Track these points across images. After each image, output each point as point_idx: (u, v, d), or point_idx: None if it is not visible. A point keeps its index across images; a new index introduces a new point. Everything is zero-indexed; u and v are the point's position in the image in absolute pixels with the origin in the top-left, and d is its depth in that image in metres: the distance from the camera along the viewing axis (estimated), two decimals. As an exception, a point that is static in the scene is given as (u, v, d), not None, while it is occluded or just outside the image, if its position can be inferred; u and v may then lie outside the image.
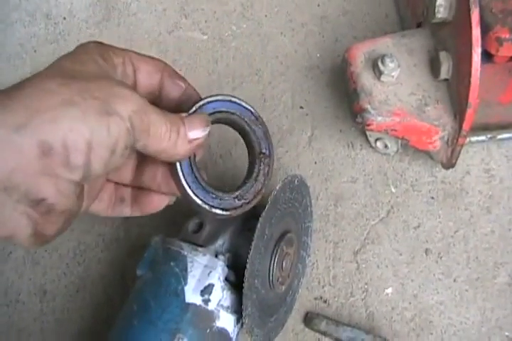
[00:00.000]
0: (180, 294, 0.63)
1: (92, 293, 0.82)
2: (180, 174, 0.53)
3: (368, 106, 0.72)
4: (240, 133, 0.59)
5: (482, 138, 0.79)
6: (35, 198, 0.40)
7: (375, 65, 0.72)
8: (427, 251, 0.80)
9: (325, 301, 0.79)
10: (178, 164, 0.52)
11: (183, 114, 0.52)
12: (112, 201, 0.58)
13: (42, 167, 0.40)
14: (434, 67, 0.72)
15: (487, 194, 0.82)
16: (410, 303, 0.78)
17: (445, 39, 0.71)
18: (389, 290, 0.79)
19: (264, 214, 0.63)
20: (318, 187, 0.84)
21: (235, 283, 0.67)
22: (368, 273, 0.80)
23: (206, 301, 0.64)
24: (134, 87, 0.53)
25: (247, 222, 0.69)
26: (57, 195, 0.42)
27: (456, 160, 0.75)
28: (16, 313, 0.82)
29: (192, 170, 0.54)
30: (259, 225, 0.63)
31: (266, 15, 0.94)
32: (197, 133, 0.51)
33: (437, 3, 0.67)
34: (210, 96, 0.55)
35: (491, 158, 0.83)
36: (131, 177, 0.58)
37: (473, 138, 0.79)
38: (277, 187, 0.66)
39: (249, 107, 0.58)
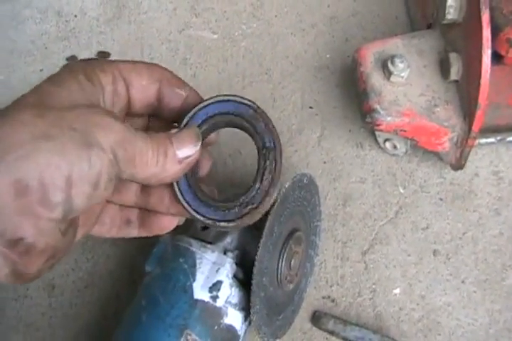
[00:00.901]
0: (189, 290, 0.64)
1: (101, 289, 0.82)
2: (178, 193, 0.51)
3: (378, 107, 0.72)
4: (245, 132, 0.56)
5: (491, 140, 0.79)
6: (12, 238, 0.38)
7: (384, 66, 0.72)
8: (435, 252, 0.80)
9: (333, 300, 0.79)
10: (175, 184, 0.51)
11: (173, 131, 0.50)
12: (116, 223, 0.55)
13: (18, 206, 0.37)
14: (443, 68, 0.73)
15: (496, 196, 0.82)
16: (418, 304, 0.78)
17: (455, 40, 0.71)
18: (397, 291, 0.79)
19: (273, 211, 0.63)
20: (326, 187, 0.84)
21: (244, 280, 0.67)
22: (376, 273, 0.80)
23: (214, 298, 0.64)
24: (127, 105, 0.51)
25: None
26: (37, 234, 0.39)
27: (465, 161, 0.75)
28: (24, 308, 0.83)
29: (189, 186, 0.52)
30: (268, 223, 0.63)
31: (276, 16, 0.95)
32: (186, 151, 0.48)
33: (447, 4, 0.67)
34: (200, 102, 0.53)
35: (500, 160, 0.83)
36: (136, 200, 0.55)
37: (483, 140, 0.79)
38: (286, 185, 0.66)
39: (245, 101, 0.53)
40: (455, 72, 0.71)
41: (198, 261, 0.65)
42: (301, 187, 0.70)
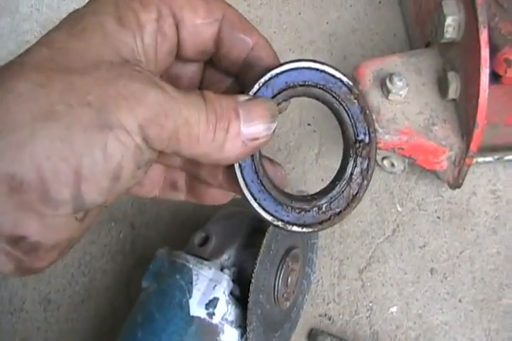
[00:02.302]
0: (185, 307, 0.63)
1: (97, 304, 0.82)
2: (242, 182, 0.40)
3: (376, 125, 0.72)
4: (333, 114, 0.43)
5: (489, 159, 0.80)
6: (12, 235, 0.31)
7: (383, 84, 0.72)
8: (432, 270, 0.80)
9: (329, 318, 0.79)
10: (237, 167, 0.40)
11: (242, 97, 0.37)
12: (159, 185, 0.44)
13: (15, 204, 0.29)
14: (442, 86, 0.73)
15: (493, 215, 0.82)
16: (415, 323, 0.78)
17: (453, 59, 0.72)
18: (394, 309, 0.79)
19: (270, 229, 0.63)
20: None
21: (240, 297, 0.67)
22: (372, 291, 0.80)
23: (211, 315, 0.64)
24: (175, 48, 0.38)
25: (253, 236, 0.69)
26: (43, 232, 0.31)
27: (463, 180, 0.76)
28: (20, 322, 0.82)
29: (257, 174, 0.40)
30: (265, 240, 0.63)
31: (275, 32, 0.96)
32: (256, 130, 0.36)
33: (446, 23, 0.68)
34: (281, 64, 0.40)
35: (498, 179, 0.83)
36: (182, 165, 0.43)
37: (480, 159, 0.79)
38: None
39: (339, 74, 0.40)
40: (453, 90, 0.71)
41: (194, 278, 0.65)
42: (298, 204, 0.70)
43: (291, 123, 0.89)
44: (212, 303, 0.64)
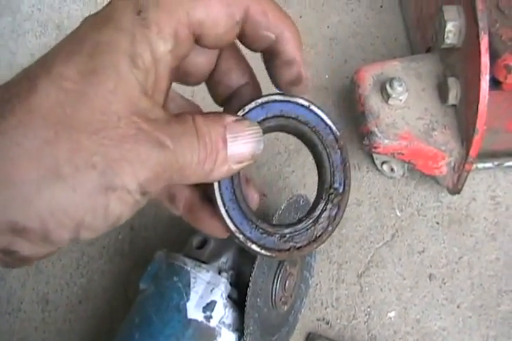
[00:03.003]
0: (182, 309, 0.63)
1: (95, 305, 0.82)
2: (216, 185, 0.40)
3: (375, 129, 0.72)
4: (311, 153, 0.44)
5: (489, 165, 0.80)
6: (4, 250, 0.32)
7: (383, 88, 0.72)
8: (430, 276, 0.80)
9: (327, 323, 0.79)
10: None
11: (229, 118, 0.37)
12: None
13: (14, 234, 0.31)
14: (442, 92, 0.73)
15: (492, 221, 0.82)
16: (413, 328, 0.78)
17: (454, 65, 0.72)
18: (392, 314, 0.79)
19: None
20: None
21: (238, 301, 0.67)
22: (371, 296, 0.80)
23: (208, 318, 0.64)
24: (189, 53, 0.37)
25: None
26: (33, 250, 0.33)
27: (463, 186, 0.76)
28: (18, 322, 0.82)
29: (232, 183, 0.41)
30: (263, 243, 0.63)
31: (276, 36, 0.96)
32: (242, 156, 0.37)
33: (447, 28, 0.68)
34: (284, 94, 0.41)
35: (498, 185, 0.83)
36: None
37: (480, 165, 0.79)
38: (282, 207, 0.66)
39: (330, 123, 0.42)
40: (453, 96, 0.71)
41: (192, 281, 0.65)
42: (297, 209, 0.71)
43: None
44: (209, 306, 0.64)
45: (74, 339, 0.81)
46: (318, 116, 0.41)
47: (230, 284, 0.67)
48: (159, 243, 0.82)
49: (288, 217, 0.68)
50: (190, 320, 0.63)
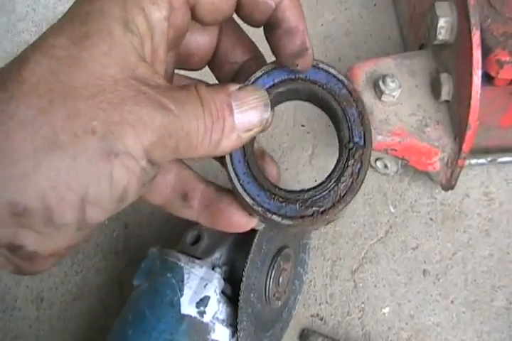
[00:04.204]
0: (176, 305, 0.63)
1: (89, 302, 0.82)
2: (228, 159, 0.39)
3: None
4: (326, 113, 0.42)
5: (482, 161, 0.80)
6: (10, 245, 0.30)
7: (376, 85, 0.73)
8: (424, 272, 0.80)
9: (321, 319, 0.79)
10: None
11: (233, 87, 0.36)
12: (165, 193, 0.40)
13: (16, 224, 0.29)
14: (435, 88, 0.73)
15: (486, 217, 0.82)
16: (407, 324, 0.78)
17: (446, 61, 0.72)
18: (386, 310, 0.79)
19: (261, 228, 0.63)
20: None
21: (231, 296, 0.67)
22: (365, 292, 0.80)
23: (202, 313, 0.64)
24: (187, 28, 0.36)
25: (245, 235, 0.70)
26: (40, 243, 0.31)
27: (456, 182, 0.76)
28: (12, 320, 0.82)
29: (245, 154, 0.39)
30: (256, 239, 0.63)
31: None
32: (250, 122, 0.35)
33: (439, 24, 0.68)
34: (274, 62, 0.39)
35: (491, 182, 0.84)
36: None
37: (473, 161, 0.80)
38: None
39: (340, 76, 0.41)
40: (446, 92, 0.71)
41: (185, 276, 0.65)
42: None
43: (285, 124, 0.90)
44: (203, 302, 0.64)
45: (68, 336, 0.81)
46: (329, 73, 0.40)
47: (224, 280, 0.67)
48: (154, 240, 0.83)
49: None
50: (184, 315, 0.63)
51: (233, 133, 0.34)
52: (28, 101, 0.28)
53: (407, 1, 0.88)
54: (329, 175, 0.39)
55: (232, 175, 0.39)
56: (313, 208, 0.38)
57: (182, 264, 0.66)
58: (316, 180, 0.85)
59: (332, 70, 0.40)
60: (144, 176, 0.31)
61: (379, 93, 0.73)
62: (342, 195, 0.39)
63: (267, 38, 0.39)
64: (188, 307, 0.64)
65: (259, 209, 0.38)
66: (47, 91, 0.29)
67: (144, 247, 0.76)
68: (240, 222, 0.40)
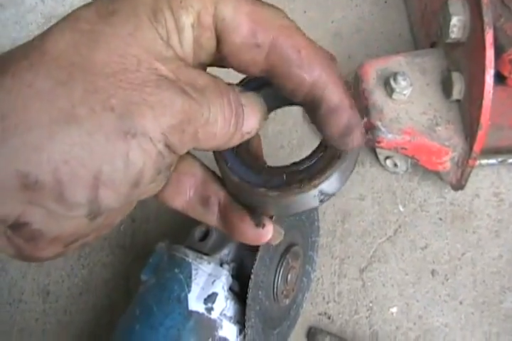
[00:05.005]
0: (184, 301, 0.63)
1: (95, 296, 0.82)
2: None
3: (379, 124, 0.72)
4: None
5: (493, 161, 0.79)
6: (15, 222, 0.29)
7: (387, 83, 0.72)
8: (433, 272, 0.80)
9: (329, 317, 0.79)
10: None
11: (237, 88, 0.35)
12: (185, 195, 0.39)
13: (26, 198, 0.28)
14: (446, 87, 0.73)
15: (496, 218, 0.82)
16: (415, 324, 0.77)
17: (458, 60, 0.72)
18: (394, 310, 0.78)
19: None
20: (325, 203, 0.83)
21: (239, 293, 0.67)
22: (373, 291, 0.79)
23: (209, 310, 0.64)
24: (211, 59, 0.35)
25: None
26: (46, 221, 0.30)
27: (466, 182, 0.75)
28: (18, 312, 0.82)
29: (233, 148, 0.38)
30: (265, 236, 0.63)
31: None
32: (254, 126, 0.35)
33: (451, 23, 0.68)
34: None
35: (501, 182, 0.83)
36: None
37: (484, 161, 0.79)
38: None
39: None
40: (457, 91, 0.71)
41: (193, 272, 0.65)
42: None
43: (294, 121, 0.89)
44: (211, 298, 0.64)
45: (74, 330, 0.81)
46: None
47: (232, 276, 0.67)
48: (161, 235, 0.82)
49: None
50: (192, 311, 0.63)
51: (241, 131, 0.34)
52: (47, 72, 0.28)
53: (418, -1, 0.87)
54: (317, 146, 0.38)
55: (219, 157, 0.38)
56: (301, 176, 0.36)
57: (190, 260, 0.65)
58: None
59: None
60: (161, 161, 0.30)
61: (390, 91, 0.72)
62: (330, 160, 0.36)
63: (309, 117, 0.36)
64: (195, 303, 0.63)
65: (246, 184, 0.37)
66: (67, 64, 0.28)
67: (151, 242, 0.76)
68: (254, 236, 0.39)
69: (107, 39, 0.29)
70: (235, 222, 0.39)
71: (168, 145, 0.30)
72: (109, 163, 0.28)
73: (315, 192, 0.36)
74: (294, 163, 0.37)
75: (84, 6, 0.31)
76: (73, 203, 0.29)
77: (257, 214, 0.39)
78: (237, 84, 0.37)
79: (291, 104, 0.38)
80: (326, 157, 0.36)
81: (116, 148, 0.28)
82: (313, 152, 0.37)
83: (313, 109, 0.35)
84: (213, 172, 0.40)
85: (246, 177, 0.37)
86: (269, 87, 0.37)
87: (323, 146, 0.37)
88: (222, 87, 0.33)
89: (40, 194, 0.28)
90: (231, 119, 0.33)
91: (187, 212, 0.40)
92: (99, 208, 0.30)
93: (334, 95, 0.34)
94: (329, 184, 0.37)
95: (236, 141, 0.35)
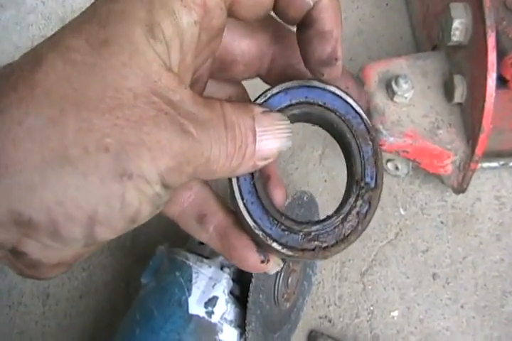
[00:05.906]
0: (184, 304, 0.63)
1: (96, 299, 0.82)
2: (235, 185, 0.37)
3: (380, 127, 0.72)
4: (338, 143, 0.40)
5: (494, 164, 0.79)
6: (13, 250, 0.29)
7: (388, 86, 0.72)
8: (434, 275, 0.79)
9: (330, 321, 0.79)
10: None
11: (258, 109, 0.33)
12: (181, 208, 0.38)
13: (20, 231, 0.27)
14: (448, 90, 0.73)
15: (497, 221, 0.81)
16: (416, 328, 0.77)
17: (460, 63, 0.72)
18: (395, 313, 0.78)
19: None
20: (327, 206, 0.83)
21: (240, 297, 0.67)
22: (374, 294, 0.79)
23: (210, 313, 0.63)
24: (221, 32, 0.34)
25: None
26: (45, 253, 0.29)
27: (468, 185, 0.75)
28: (18, 315, 0.82)
29: (252, 176, 0.37)
30: (266, 239, 0.63)
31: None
32: (271, 152, 0.33)
33: (453, 26, 0.67)
34: (309, 79, 0.38)
35: (503, 186, 0.83)
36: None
37: (485, 165, 0.79)
38: (286, 203, 0.65)
39: (358, 109, 0.38)
40: (459, 94, 0.71)
41: (194, 276, 0.65)
42: (300, 205, 0.70)
43: (296, 124, 0.89)
44: (211, 302, 0.64)
45: (74, 333, 0.81)
46: (348, 104, 0.38)
47: (232, 280, 0.66)
48: (161, 238, 0.82)
49: (291, 213, 0.68)
50: (192, 315, 0.63)
51: (251, 160, 0.33)
52: (38, 109, 0.26)
53: (420, 0, 0.87)
54: (336, 211, 0.38)
55: (236, 192, 0.36)
56: (316, 242, 0.37)
57: (190, 263, 0.65)
58: (325, 180, 0.85)
59: (352, 102, 0.38)
60: (158, 200, 0.29)
61: (391, 94, 0.72)
62: (346, 234, 0.37)
63: (298, 40, 0.36)
64: (196, 307, 0.63)
65: (260, 233, 0.36)
66: (59, 99, 0.27)
67: (152, 245, 0.75)
68: (255, 265, 0.37)
69: (100, 72, 0.28)
70: (237, 246, 0.37)
71: (165, 186, 0.29)
72: (104, 205, 0.27)
73: (324, 258, 0.38)
74: (313, 223, 0.37)
75: (73, 30, 0.29)
76: (69, 239, 0.28)
77: (263, 249, 0.38)
78: (261, 96, 0.37)
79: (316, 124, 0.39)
80: (343, 229, 0.37)
81: (111, 190, 0.27)
82: (333, 216, 0.37)
83: (305, 31, 0.34)
84: (212, 190, 0.39)
85: (261, 224, 0.36)
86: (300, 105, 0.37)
87: (343, 215, 0.37)
88: (228, 118, 0.32)
89: (34, 230, 0.27)
90: (234, 154, 0.31)
91: (178, 222, 0.39)
92: (95, 241, 0.29)
93: (329, 21, 0.33)
94: (339, 252, 0.38)
95: (245, 170, 0.33)
